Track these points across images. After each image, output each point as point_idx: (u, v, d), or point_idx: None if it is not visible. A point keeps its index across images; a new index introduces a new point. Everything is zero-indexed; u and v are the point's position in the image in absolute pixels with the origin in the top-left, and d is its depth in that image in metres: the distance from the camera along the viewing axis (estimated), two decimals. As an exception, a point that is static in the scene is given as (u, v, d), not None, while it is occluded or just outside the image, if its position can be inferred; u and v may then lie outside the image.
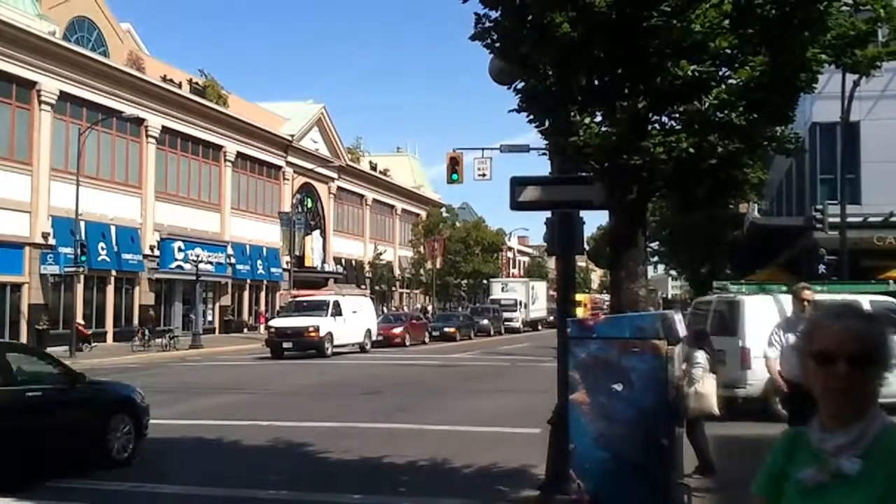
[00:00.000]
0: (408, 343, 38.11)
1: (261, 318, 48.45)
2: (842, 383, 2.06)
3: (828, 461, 2.08)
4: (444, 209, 77.44)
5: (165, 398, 18.40)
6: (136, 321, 37.67)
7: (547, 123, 7.19)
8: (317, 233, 56.85)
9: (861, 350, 2.06)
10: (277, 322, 33.38)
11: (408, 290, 73.55)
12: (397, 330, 38.71)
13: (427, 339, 41.13)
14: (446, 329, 43.92)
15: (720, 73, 6.53)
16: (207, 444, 12.39)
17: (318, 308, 32.82)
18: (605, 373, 6.09)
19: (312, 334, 30.67)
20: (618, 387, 6.05)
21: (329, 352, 31.07)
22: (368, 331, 35.30)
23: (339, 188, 61.85)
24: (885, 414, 2.13)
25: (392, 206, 73.07)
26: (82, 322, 33.69)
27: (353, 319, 33.68)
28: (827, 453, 2.08)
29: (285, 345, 30.71)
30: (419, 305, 67.70)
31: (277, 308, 47.09)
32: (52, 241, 33.18)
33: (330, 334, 31.48)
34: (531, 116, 7.23)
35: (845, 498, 2.04)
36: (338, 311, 32.70)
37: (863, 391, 2.08)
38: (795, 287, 8.87)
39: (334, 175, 60.06)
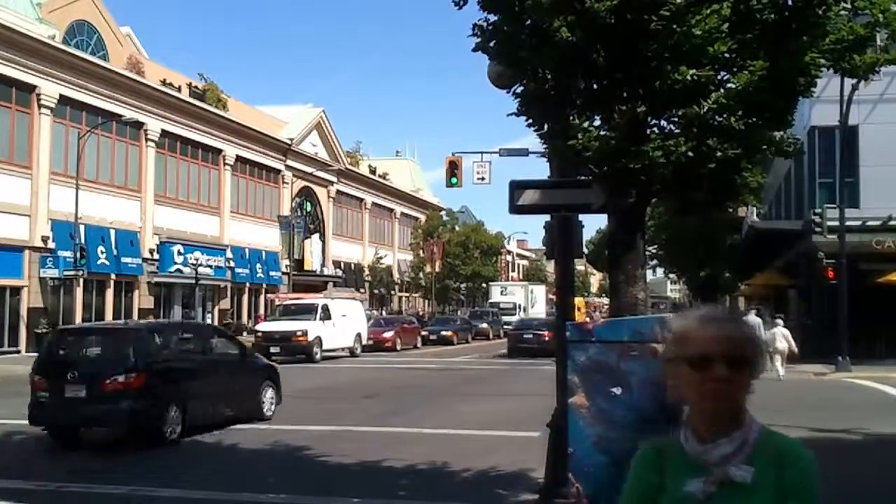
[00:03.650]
0: (398, 347, 37.68)
1: (259, 321, 48.41)
2: (721, 386, 2.07)
3: (713, 471, 2.08)
4: (443, 213, 77.43)
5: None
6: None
7: (546, 127, 7.20)
8: (316, 236, 56.81)
9: (736, 351, 2.08)
10: (265, 326, 32.89)
11: (407, 294, 73.52)
12: (388, 334, 38.21)
13: (419, 344, 40.52)
14: (443, 333, 43.51)
15: (719, 78, 6.55)
16: (206, 447, 12.39)
17: (306, 312, 32.24)
18: (604, 376, 6.09)
19: (301, 338, 30.16)
20: (617, 390, 6.05)
21: (318, 356, 30.60)
22: (359, 335, 34.84)
23: (339, 192, 61.85)
24: (756, 418, 2.15)
25: (391, 210, 73.07)
26: None
27: (342, 323, 33.15)
28: (711, 463, 2.08)
29: (273, 349, 29.83)
30: (403, 309, 67.53)
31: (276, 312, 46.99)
32: (51, 244, 33.11)
33: (319, 339, 30.99)
34: (530, 120, 7.24)
35: None
36: (327, 315, 32.35)
37: (738, 394, 2.10)
38: None
39: (333, 179, 60.07)
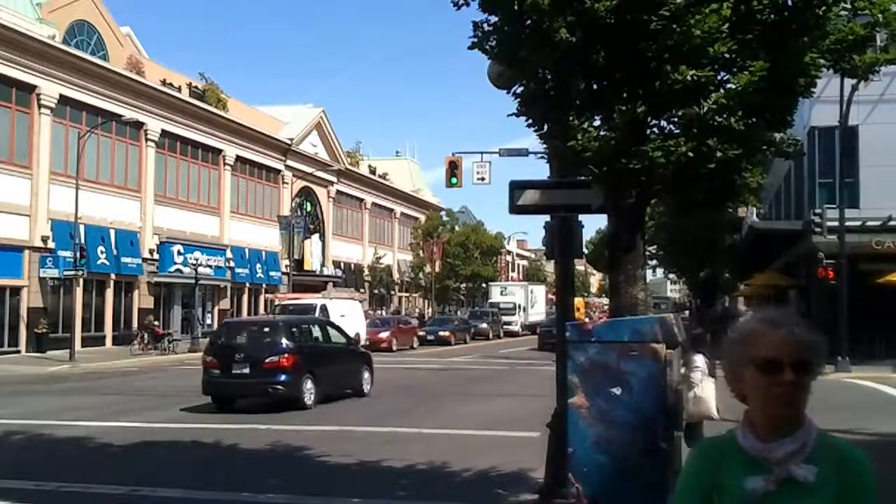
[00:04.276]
0: (394, 348, 37.45)
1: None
2: (788, 390, 2.08)
3: (774, 469, 2.09)
4: (443, 213, 77.44)
5: (164, 401, 18.40)
6: (135, 325, 37.62)
7: (545, 127, 7.20)
8: (316, 236, 56.80)
9: (804, 356, 2.09)
10: None
11: (407, 294, 73.54)
12: (384, 334, 38.00)
13: (416, 344, 40.39)
14: (441, 333, 43.30)
15: (719, 78, 6.55)
16: (206, 448, 12.39)
17: (304, 312, 32.09)
18: (603, 377, 6.10)
19: None
20: (616, 391, 6.06)
21: None
22: (357, 335, 34.81)
23: (339, 192, 61.85)
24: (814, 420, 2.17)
25: (391, 210, 73.09)
26: (157, 322, 36.15)
27: (340, 324, 33.08)
28: (772, 462, 2.09)
29: None
30: (403, 310, 67.41)
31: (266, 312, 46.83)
32: (51, 244, 33.13)
33: None
34: (530, 121, 7.23)
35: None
36: (325, 316, 32.28)
37: (802, 397, 2.11)
38: None
39: (333, 179, 60.08)
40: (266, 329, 18.27)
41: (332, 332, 19.91)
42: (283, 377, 16.41)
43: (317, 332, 19.33)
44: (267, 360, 16.55)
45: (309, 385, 16.83)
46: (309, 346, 17.89)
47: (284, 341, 17.04)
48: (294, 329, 17.93)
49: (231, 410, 16.40)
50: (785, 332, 2.11)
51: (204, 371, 17.06)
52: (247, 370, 16.51)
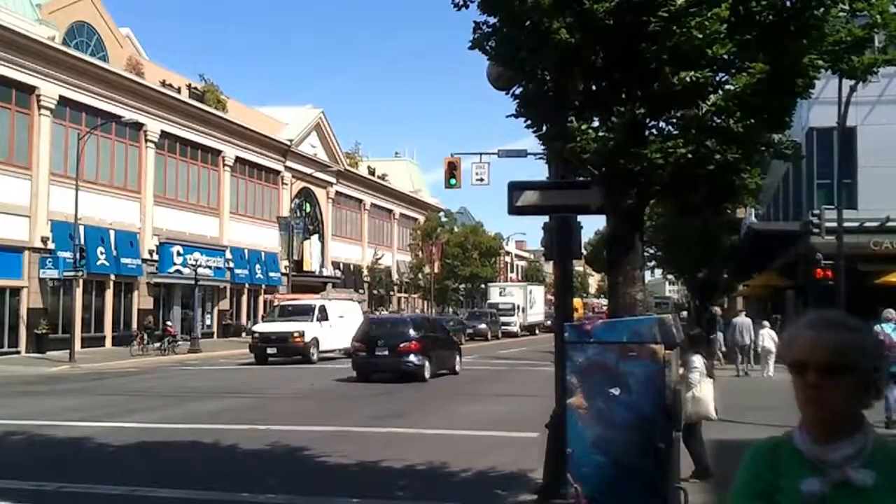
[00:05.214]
0: None
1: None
2: (813, 392, 2.07)
3: (831, 472, 2.07)
4: (442, 214, 77.39)
5: (164, 402, 18.41)
6: (134, 325, 37.62)
7: (545, 128, 7.22)
8: (315, 237, 56.78)
9: (830, 359, 2.06)
10: (262, 327, 32.74)
11: (406, 295, 73.52)
12: None
13: None
14: None
15: (718, 79, 6.57)
16: (205, 448, 12.39)
17: (303, 313, 32.05)
18: (602, 377, 6.12)
19: (297, 340, 30.01)
20: (615, 391, 6.08)
21: (315, 357, 30.48)
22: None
23: (338, 193, 61.84)
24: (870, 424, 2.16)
25: (390, 211, 73.07)
26: (170, 323, 37.52)
27: (339, 324, 32.76)
28: (829, 464, 2.08)
29: (269, 350, 30.11)
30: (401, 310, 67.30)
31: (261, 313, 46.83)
32: (51, 245, 33.12)
33: (316, 340, 30.89)
34: (529, 121, 7.26)
35: None
36: (324, 316, 32.17)
37: (835, 400, 2.08)
38: None
39: (333, 180, 60.06)
40: (398, 323, 25.54)
41: (438, 326, 27.65)
42: (412, 358, 22.65)
43: (430, 326, 26.01)
44: (401, 346, 22.81)
45: (427, 364, 22.90)
46: (427, 336, 23.82)
47: (412, 332, 23.39)
48: (418, 323, 24.83)
49: (367, 380, 22.18)
50: (812, 334, 2.11)
51: (353, 353, 23.84)
52: (386, 352, 22.80)
